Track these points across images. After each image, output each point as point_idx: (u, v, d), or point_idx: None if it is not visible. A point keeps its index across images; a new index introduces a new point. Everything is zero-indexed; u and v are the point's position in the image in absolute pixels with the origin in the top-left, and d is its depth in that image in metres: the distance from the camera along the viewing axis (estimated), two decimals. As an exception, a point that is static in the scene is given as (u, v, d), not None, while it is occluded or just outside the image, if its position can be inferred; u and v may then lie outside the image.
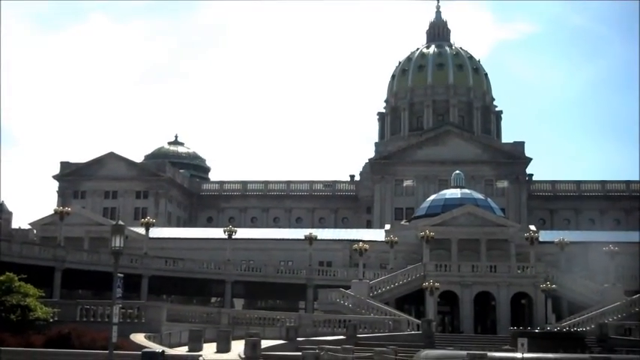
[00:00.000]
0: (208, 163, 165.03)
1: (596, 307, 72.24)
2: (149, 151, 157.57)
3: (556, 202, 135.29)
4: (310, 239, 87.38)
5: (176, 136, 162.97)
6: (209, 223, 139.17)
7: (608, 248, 77.47)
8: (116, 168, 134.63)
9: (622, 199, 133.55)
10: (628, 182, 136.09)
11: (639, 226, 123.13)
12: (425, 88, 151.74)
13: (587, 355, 35.41)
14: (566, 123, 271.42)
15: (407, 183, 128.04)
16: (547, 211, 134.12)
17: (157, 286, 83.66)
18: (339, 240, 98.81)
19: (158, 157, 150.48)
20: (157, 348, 32.97)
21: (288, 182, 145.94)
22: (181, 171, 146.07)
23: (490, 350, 38.63)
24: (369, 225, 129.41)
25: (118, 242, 26.74)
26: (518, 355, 36.08)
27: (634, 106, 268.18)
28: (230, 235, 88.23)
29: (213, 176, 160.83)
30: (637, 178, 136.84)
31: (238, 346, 45.09)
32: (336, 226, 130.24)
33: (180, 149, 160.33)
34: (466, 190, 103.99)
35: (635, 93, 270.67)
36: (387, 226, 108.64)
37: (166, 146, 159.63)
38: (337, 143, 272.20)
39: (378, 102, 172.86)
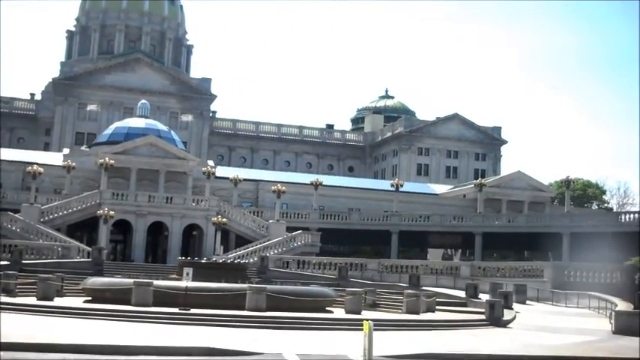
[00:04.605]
0: None
1: (261, 241, 78.40)
2: None
3: (236, 139, 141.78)
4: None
5: None
6: None
7: (276, 187, 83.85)
8: None
9: (294, 142, 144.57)
10: (301, 127, 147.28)
11: (306, 169, 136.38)
12: (119, 11, 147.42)
13: (245, 285, 38.79)
14: (252, 63, 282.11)
15: (91, 107, 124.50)
16: (226, 147, 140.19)
17: None
18: (11, 161, 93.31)
19: None
20: None
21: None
22: None
23: (157, 279, 40.70)
24: (47, 148, 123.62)
25: None
26: (183, 283, 38.43)
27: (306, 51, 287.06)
28: None
29: None
30: (309, 125, 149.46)
31: None
32: (10, 147, 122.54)
33: None
34: (150, 121, 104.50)
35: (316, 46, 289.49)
36: (66, 151, 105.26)
37: None
38: (22, 59, 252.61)
39: (69, 19, 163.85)
